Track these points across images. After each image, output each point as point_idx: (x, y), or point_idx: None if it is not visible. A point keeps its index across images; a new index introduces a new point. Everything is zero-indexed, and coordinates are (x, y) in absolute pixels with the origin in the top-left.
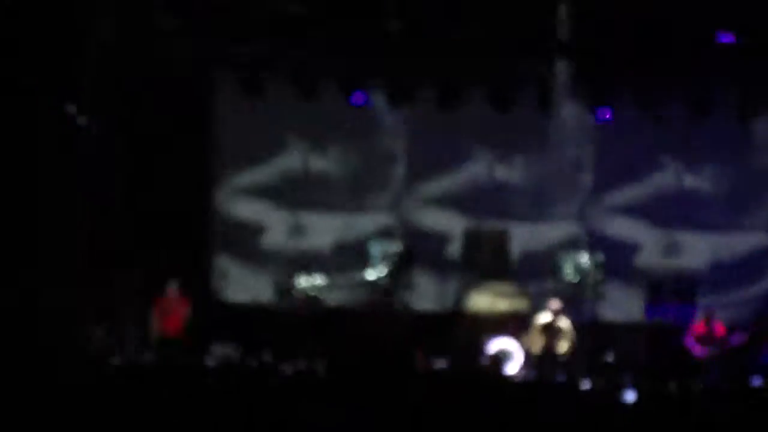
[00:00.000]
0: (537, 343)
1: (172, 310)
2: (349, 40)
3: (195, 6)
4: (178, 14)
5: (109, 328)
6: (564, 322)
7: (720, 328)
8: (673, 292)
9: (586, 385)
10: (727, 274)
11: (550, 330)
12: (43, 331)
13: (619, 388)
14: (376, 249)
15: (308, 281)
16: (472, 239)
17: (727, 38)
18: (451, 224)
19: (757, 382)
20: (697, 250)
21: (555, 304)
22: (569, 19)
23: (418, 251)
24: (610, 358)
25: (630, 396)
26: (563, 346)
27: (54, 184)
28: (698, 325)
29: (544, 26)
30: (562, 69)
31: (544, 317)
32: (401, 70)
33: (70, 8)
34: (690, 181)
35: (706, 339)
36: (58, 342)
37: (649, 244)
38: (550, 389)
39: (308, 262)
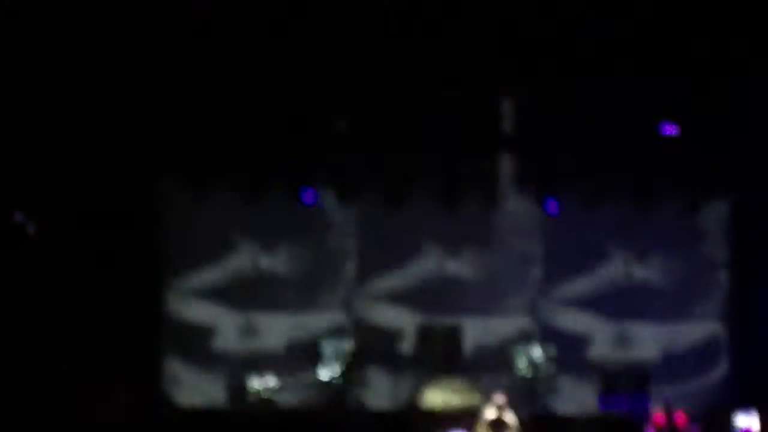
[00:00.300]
0: None
1: None
2: (297, 139)
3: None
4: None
5: None
6: (509, 417)
7: (681, 418)
8: (626, 384)
9: None
10: (679, 364)
11: (496, 425)
12: None
13: None
14: (328, 348)
15: (261, 382)
16: (424, 335)
17: (670, 130)
18: (403, 320)
19: None
20: (649, 340)
21: (499, 398)
22: (512, 114)
23: (370, 348)
24: None
25: None
26: None
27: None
28: (658, 416)
29: (487, 122)
30: (506, 164)
31: (490, 412)
32: (349, 169)
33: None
34: (639, 272)
35: (667, 430)
36: None
37: (600, 336)
38: None
39: (261, 363)
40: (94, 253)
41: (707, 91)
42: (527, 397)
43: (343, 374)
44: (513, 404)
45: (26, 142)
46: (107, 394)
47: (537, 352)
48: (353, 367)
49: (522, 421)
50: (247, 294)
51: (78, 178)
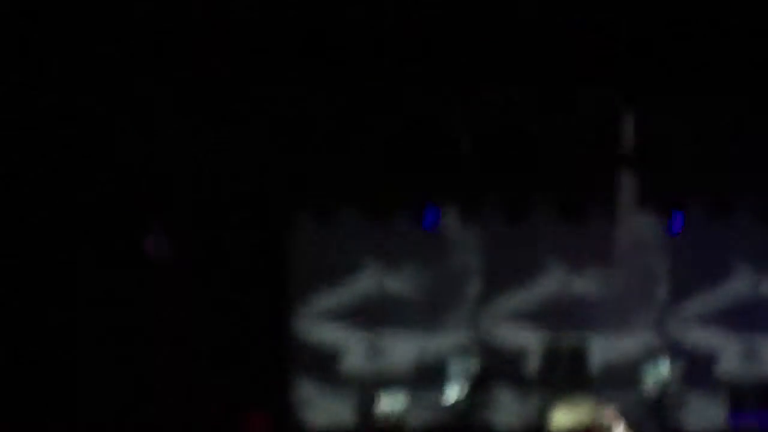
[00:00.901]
0: None
1: None
2: (420, 158)
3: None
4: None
5: None
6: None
7: None
8: (755, 399)
9: None
10: None
11: None
12: None
13: None
14: (454, 368)
15: (389, 403)
16: (550, 354)
17: None
18: (529, 339)
19: None
20: None
21: (610, 414)
22: (635, 129)
23: (496, 368)
24: None
25: None
26: None
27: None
28: None
29: (610, 137)
30: (630, 179)
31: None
32: (471, 188)
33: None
34: (766, 286)
35: None
36: None
37: (728, 352)
38: None
39: (388, 383)
40: (223, 280)
41: None
42: (655, 414)
43: (470, 394)
44: (640, 422)
45: (163, 166)
46: (248, 422)
47: (665, 368)
48: (479, 387)
49: None
50: (373, 315)
51: (206, 204)
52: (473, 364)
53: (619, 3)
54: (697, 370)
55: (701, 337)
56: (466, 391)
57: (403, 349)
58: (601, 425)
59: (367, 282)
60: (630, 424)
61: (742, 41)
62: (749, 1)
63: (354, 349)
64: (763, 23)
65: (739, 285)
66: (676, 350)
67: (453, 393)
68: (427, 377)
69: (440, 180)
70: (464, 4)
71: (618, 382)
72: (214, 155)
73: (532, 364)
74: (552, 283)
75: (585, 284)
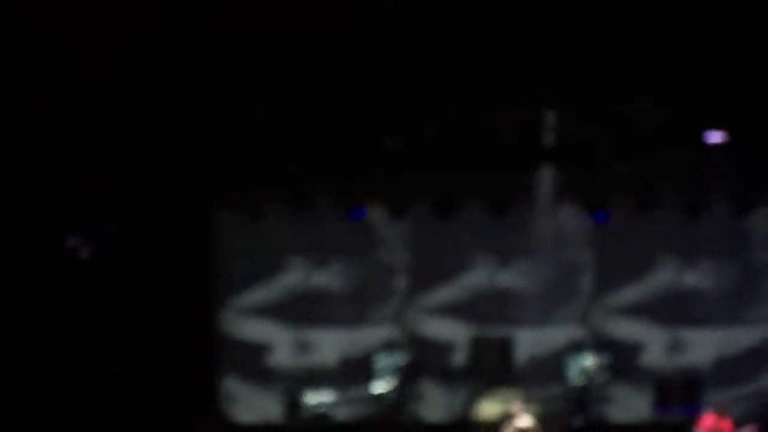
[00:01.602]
0: None
1: None
2: (347, 157)
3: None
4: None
5: None
6: (525, 421)
7: (728, 425)
8: (680, 390)
9: None
10: (732, 369)
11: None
12: None
13: None
14: (382, 362)
15: (316, 398)
16: (477, 347)
17: (715, 137)
18: (456, 332)
19: None
20: (702, 346)
21: (518, 405)
22: (555, 125)
23: (423, 362)
24: None
25: None
26: None
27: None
28: (707, 419)
29: (531, 134)
30: (552, 174)
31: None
32: (399, 185)
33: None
34: (690, 278)
35: None
36: None
37: (653, 344)
38: None
39: (315, 379)
40: (148, 276)
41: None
42: (581, 406)
43: (397, 388)
44: (567, 413)
45: (85, 165)
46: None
47: (590, 360)
48: (407, 380)
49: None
50: (300, 310)
51: (130, 200)
52: (401, 358)
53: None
54: (622, 361)
55: (626, 329)
56: (394, 384)
57: (331, 344)
58: (509, 415)
59: (294, 277)
60: (553, 415)
61: (662, 41)
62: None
63: (281, 345)
64: (680, 23)
65: (663, 277)
66: (600, 342)
67: (381, 386)
68: (354, 372)
69: (367, 175)
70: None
71: (543, 374)
72: (141, 150)
73: (459, 356)
74: (478, 276)
75: (511, 278)
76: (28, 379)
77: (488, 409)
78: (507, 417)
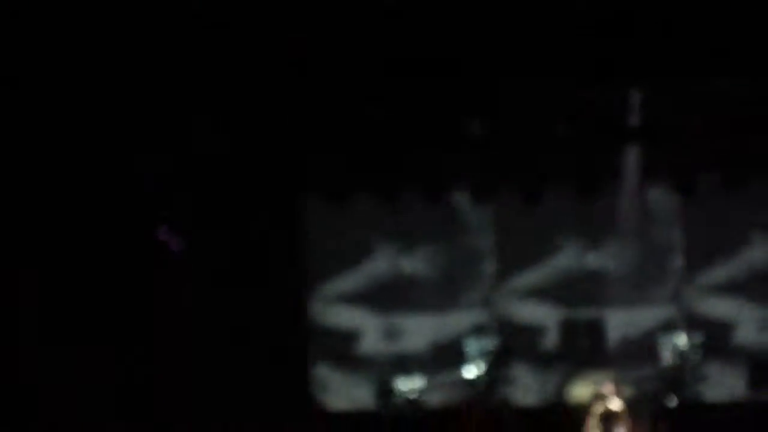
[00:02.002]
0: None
1: None
2: (431, 143)
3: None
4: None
5: None
6: (616, 405)
7: None
8: None
9: None
10: None
11: (606, 418)
12: None
13: None
14: (472, 346)
15: (407, 384)
16: (567, 329)
17: None
18: (546, 316)
19: None
20: None
21: (607, 388)
22: (642, 104)
23: (514, 345)
24: None
25: None
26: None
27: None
28: None
29: (616, 115)
30: (639, 155)
31: (598, 405)
32: (484, 168)
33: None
34: None
35: None
36: None
37: (745, 322)
38: None
39: (406, 365)
40: (238, 265)
41: None
42: (674, 386)
43: (488, 372)
44: (661, 394)
45: (168, 159)
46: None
47: (682, 340)
48: (498, 364)
49: (663, 411)
50: (389, 297)
51: (215, 192)
52: (491, 343)
53: None
54: (714, 341)
55: (718, 308)
56: (484, 369)
57: (420, 330)
58: (600, 396)
59: (382, 264)
60: (645, 396)
61: (743, 19)
62: None
63: (370, 332)
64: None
65: (754, 255)
66: (693, 322)
67: (472, 371)
68: (445, 357)
69: (452, 161)
70: None
71: (636, 355)
72: (224, 142)
73: (550, 340)
74: (567, 259)
75: (600, 259)
76: (123, 373)
77: (580, 391)
78: (598, 398)
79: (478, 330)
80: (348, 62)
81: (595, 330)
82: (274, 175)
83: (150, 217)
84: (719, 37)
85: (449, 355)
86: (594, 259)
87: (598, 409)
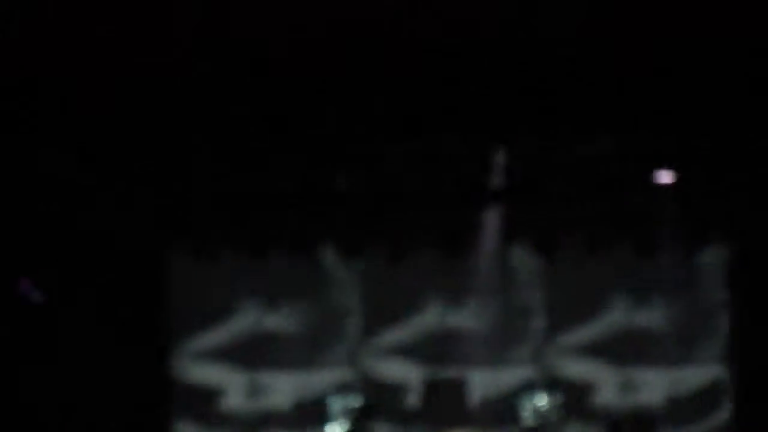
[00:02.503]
0: None
1: None
2: (297, 200)
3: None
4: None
5: None
6: None
7: None
8: (631, 429)
9: None
10: (684, 409)
11: None
12: None
13: None
14: (335, 404)
15: None
16: (429, 388)
17: (665, 177)
18: (409, 374)
19: None
20: (653, 386)
21: None
22: (505, 165)
23: (377, 404)
24: None
25: None
26: None
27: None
28: None
29: (480, 174)
30: (502, 215)
31: None
32: (350, 226)
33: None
34: (640, 318)
35: None
36: None
37: (606, 383)
38: None
39: (269, 422)
40: (99, 319)
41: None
42: None
43: (351, 431)
44: None
45: (33, 210)
46: None
47: (543, 401)
48: (361, 422)
49: None
50: (252, 354)
51: (79, 244)
52: (354, 401)
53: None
54: (575, 402)
55: (578, 369)
56: (348, 427)
57: (284, 387)
58: None
59: (246, 320)
60: None
61: (610, 82)
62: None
63: (234, 389)
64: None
65: (615, 317)
66: (553, 382)
67: (335, 429)
68: (308, 415)
69: (318, 217)
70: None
71: (497, 415)
72: (90, 195)
73: (413, 398)
74: (430, 317)
75: (462, 318)
76: None
77: None
78: None
79: (342, 388)
80: (214, 115)
81: (457, 389)
82: (139, 229)
83: (10, 268)
84: (585, 98)
85: (313, 412)
86: (456, 318)
87: None
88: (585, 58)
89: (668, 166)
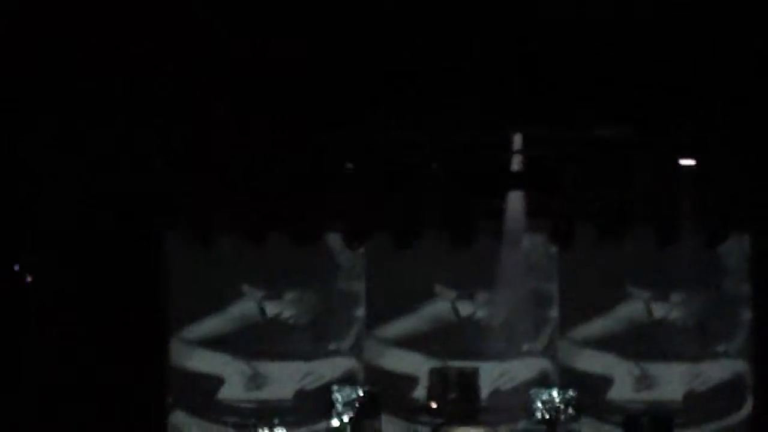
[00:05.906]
0: None
1: None
2: (302, 184)
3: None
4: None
5: None
6: None
7: None
8: (648, 426)
9: None
10: (702, 404)
11: None
12: None
13: None
14: (339, 395)
15: None
16: (439, 380)
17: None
18: (417, 365)
19: None
20: (671, 381)
21: None
22: (522, 151)
23: (383, 395)
24: None
25: None
26: None
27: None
28: None
29: (496, 158)
30: (517, 201)
31: None
32: (357, 213)
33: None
34: (659, 310)
35: None
36: None
37: (620, 377)
38: None
39: (269, 413)
40: (97, 306)
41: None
42: None
43: (355, 422)
44: None
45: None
46: None
47: (555, 395)
48: (365, 414)
49: None
50: (253, 342)
51: (76, 229)
52: (359, 392)
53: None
54: (588, 396)
55: (592, 363)
56: (351, 419)
57: (285, 377)
58: None
59: (248, 308)
60: None
61: (630, 66)
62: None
63: (233, 378)
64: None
65: (632, 309)
66: (567, 376)
67: (338, 421)
68: (310, 406)
69: (323, 202)
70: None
71: (508, 409)
72: (90, 178)
73: (420, 390)
74: (441, 308)
75: (474, 309)
76: None
77: None
78: None
79: (346, 379)
80: (218, 99)
81: (467, 382)
82: (138, 214)
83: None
84: (606, 83)
85: (315, 403)
86: (467, 309)
87: None
88: (606, 43)
89: (690, 154)
